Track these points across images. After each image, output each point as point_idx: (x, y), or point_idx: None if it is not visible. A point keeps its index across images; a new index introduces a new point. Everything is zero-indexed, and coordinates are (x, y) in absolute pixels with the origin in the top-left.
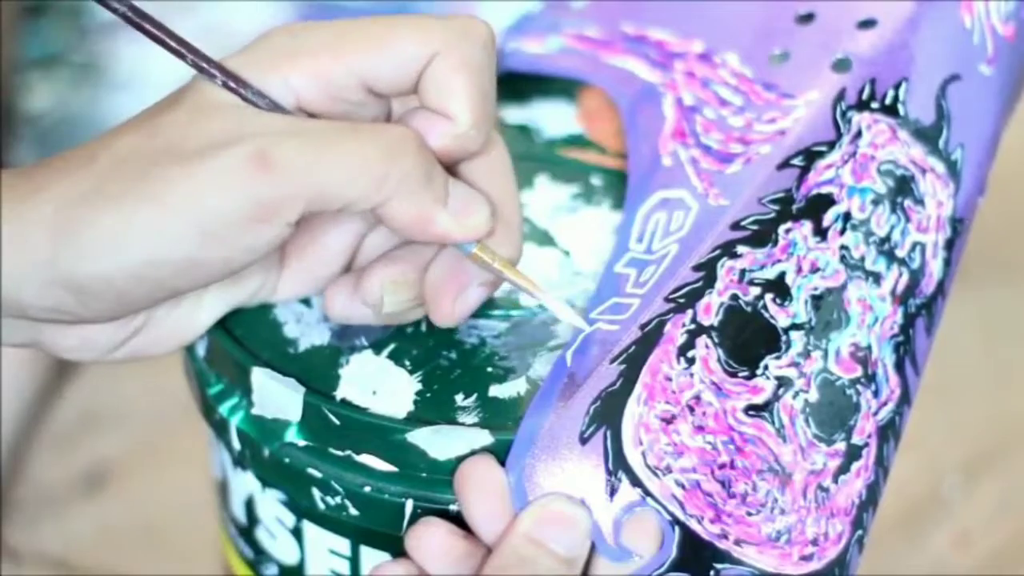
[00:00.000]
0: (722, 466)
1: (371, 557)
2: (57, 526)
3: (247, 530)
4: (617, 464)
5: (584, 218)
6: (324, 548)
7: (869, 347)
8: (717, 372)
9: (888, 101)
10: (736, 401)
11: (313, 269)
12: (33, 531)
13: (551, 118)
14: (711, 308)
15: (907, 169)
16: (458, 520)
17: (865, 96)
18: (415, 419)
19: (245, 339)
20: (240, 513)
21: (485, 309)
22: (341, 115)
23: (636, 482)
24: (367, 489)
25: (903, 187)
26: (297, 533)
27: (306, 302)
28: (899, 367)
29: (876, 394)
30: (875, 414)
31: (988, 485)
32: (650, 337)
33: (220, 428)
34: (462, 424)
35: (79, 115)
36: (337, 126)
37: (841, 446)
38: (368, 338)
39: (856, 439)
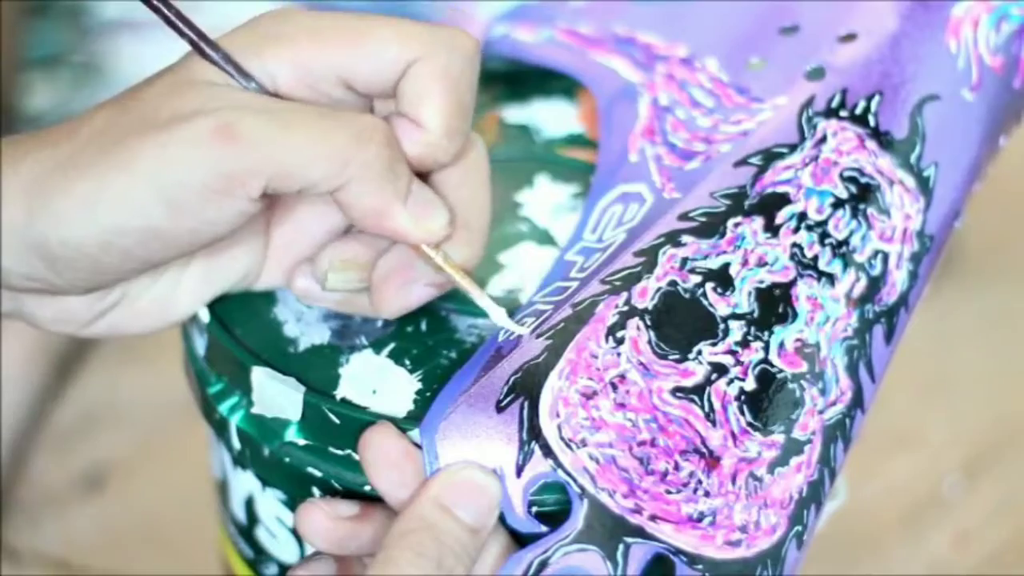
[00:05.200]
0: (641, 443)
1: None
2: (57, 526)
3: (247, 530)
4: (531, 434)
5: None
6: None
7: (817, 345)
8: (646, 353)
9: (858, 111)
10: (663, 382)
11: (297, 258)
12: (33, 531)
13: (551, 118)
14: (647, 292)
15: (873, 178)
16: None
17: (834, 104)
18: (415, 418)
19: (245, 338)
20: (240, 513)
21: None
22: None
23: (548, 453)
24: (367, 488)
25: (867, 195)
26: (297, 532)
27: None
28: (852, 370)
29: (824, 392)
30: (821, 412)
31: (988, 485)
32: (581, 316)
33: (220, 427)
34: None
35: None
36: (307, 107)
37: (779, 438)
38: (368, 338)
39: (798, 434)
